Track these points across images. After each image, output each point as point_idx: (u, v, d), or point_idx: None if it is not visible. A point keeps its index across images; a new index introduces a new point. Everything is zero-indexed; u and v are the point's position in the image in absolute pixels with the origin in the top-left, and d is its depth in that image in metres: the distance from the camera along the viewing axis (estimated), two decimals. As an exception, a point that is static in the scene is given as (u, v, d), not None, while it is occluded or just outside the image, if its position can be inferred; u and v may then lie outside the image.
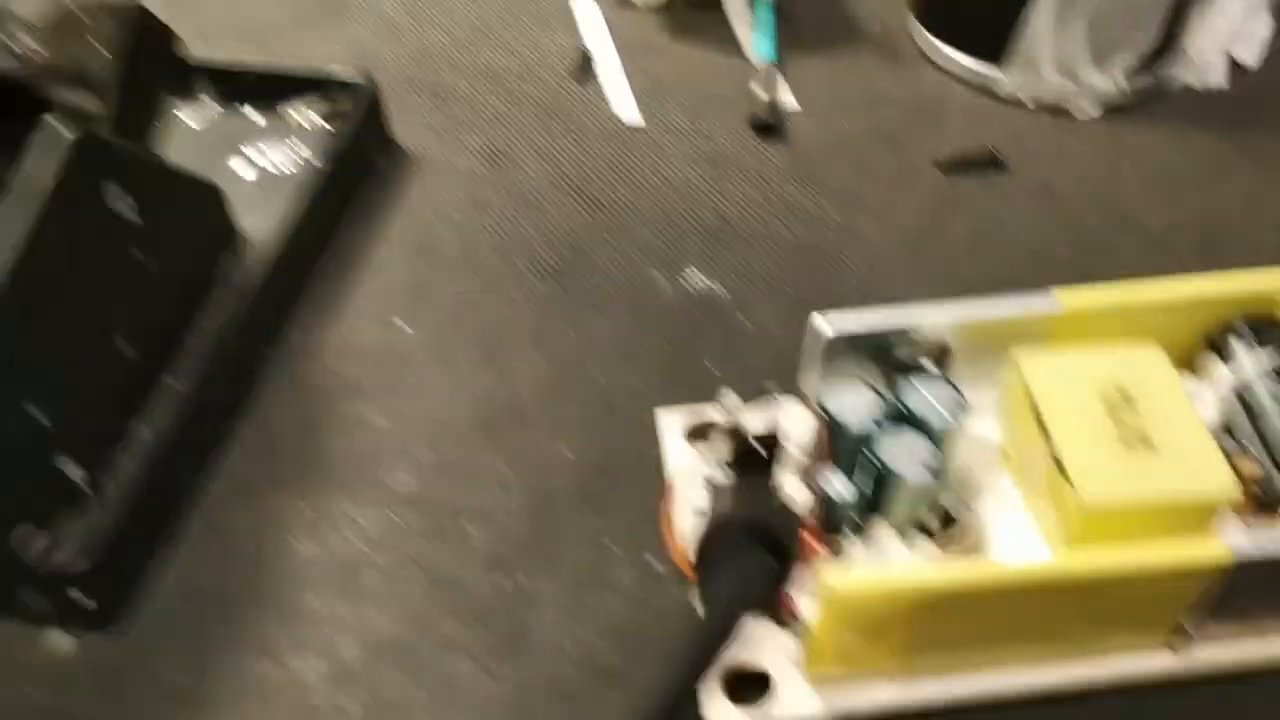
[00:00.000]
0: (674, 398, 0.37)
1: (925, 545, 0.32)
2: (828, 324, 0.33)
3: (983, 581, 0.28)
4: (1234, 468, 0.32)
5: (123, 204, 0.33)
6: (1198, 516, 0.30)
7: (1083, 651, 0.31)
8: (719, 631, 0.25)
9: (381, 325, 0.41)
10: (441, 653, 0.32)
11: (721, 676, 0.30)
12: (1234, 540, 0.28)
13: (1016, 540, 0.32)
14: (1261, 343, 0.34)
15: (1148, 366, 0.32)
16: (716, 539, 0.29)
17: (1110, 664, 0.31)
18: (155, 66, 0.38)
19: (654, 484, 0.35)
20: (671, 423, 0.36)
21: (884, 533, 0.32)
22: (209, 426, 0.37)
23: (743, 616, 0.26)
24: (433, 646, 0.32)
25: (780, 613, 0.30)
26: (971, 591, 0.28)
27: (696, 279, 0.42)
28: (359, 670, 0.32)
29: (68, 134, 0.31)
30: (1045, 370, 0.32)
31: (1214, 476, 0.30)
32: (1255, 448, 0.33)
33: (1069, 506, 0.30)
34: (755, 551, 0.27)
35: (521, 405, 0.38)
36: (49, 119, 0.31)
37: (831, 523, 0.32)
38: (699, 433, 0.36)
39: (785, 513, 0.29)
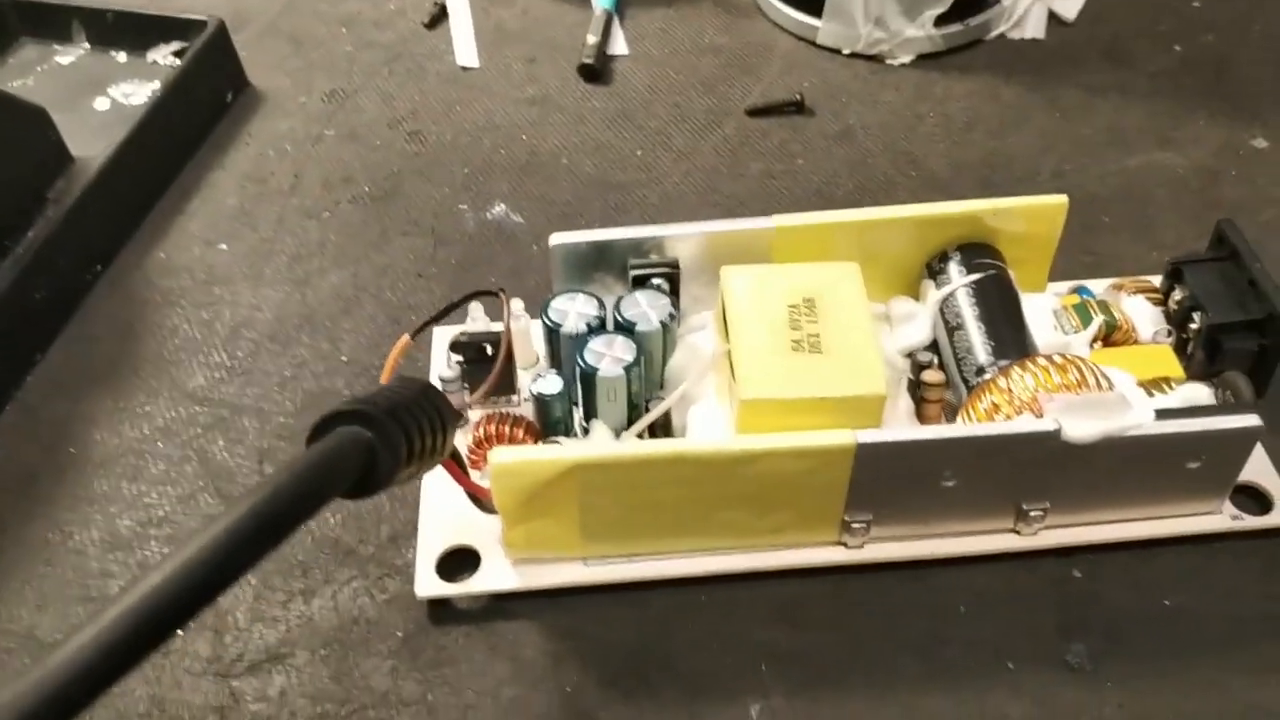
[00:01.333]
0: (456, 317, 0.41)
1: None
2: (557, 236, 0.36)
3: (633, 456, 0.31)
4: (920, 379, 0.36)
5: None
6: (857, 417, 0.33)
7: (761, 544, 0.34)
8: (275, 494, 0.22)
9: (204, 245, 0.45)
10: (203, 527, 0.36)
11: (436, 554, 0.34)
12: (864, 434, 0.31)
13: (711, 434, 0.35)
14: (973, 268, 0.37)
15: (838, 280, 0.35)
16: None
17: (785, 556, 0.34)
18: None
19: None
20: (443, 336, 0.40)
21: (599, 433, 0.36)
22: (27, 328, 0.41)
23: (313, 484, 0.23)
24: (197, 523, 0.36)
25: (485, 500, 0.33)
26: (625, 464, 0.31)
27: (498, 210, 0.46)
28: (130, 541, 0.36)
29: None
30: (742, 281, 0.35)
31: (866, 379, 0.33)
32: (949, 360, 0.36)
33: (735, 401, 0.33)
34: (345, 425, 0.25)
35: (315, 317, 0.42)
36: None
37: (549, 424, 0.36)
38: (457, 345, 0.39)
39: (416, 395, 0.28)
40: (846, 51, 0.52)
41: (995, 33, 0.53)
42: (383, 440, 0.23)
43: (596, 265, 0.37)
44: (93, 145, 0.45)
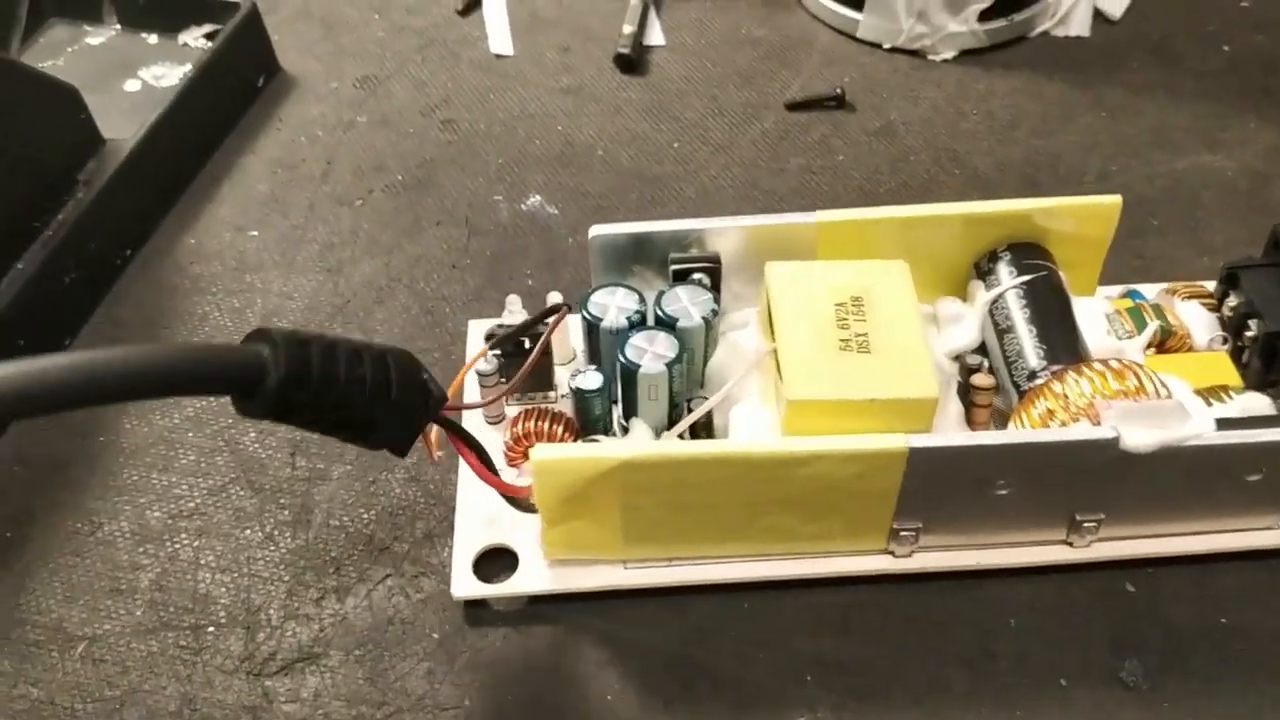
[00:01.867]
0: (490, 309, 0.40)
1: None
2: (597, 228, 0.35)
3: (680, 456, 0.30)
4: (970, 382, 0.35)
5: None
6: (908, 421, 0.32)
7: (805, 550, 0.33)
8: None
9: (234, 231, 0.44)
10: (235, 522, 0.35)
11: (473, 554, 0.33)
12: (916, 439, 0.30)
13: (754, 435, 0.35)
14: (1023, 269, 0.36)
15: (886, 278, 0.34)
16: None
17: (831, 564, 0.33)
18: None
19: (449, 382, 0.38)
20: (479, 329, 0.39)
21: (639, 432, 0.35)
22: (57, 311, 0.40)
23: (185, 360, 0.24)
24: (228, 516, 0.35)
25: (521, 499, 0.33)
26: (671, 464, 0.30)
27: (533, 201, 0.45)
28: (160, 533, 0.35)
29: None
30: (788, 277, 0.34)
31: (918, 381, 0.32)
32: (999, 363, 0.35)
33: (781, 401, 0.32)
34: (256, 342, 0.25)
35: (348, 307, 0.41)
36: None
37: (589, 421, 0.35)
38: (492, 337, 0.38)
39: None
40: (887, 46, 0.51)
41: (1039, 30, 0.52)
42: (280, 360, 0.24)
43: (636, 258, 0.36)
44: (123, 127, 0.44)
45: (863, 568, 0.33)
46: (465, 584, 0.33)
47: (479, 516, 0.34)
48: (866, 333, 0.33)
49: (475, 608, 0.33)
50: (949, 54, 0.51)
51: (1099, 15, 0.53)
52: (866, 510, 0.32)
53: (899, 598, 0.33)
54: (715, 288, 0.36)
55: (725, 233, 0.36)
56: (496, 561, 0.33)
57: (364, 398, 0.26)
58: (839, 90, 0.49)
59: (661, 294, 0.35)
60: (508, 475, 0.34)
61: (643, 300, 0.35)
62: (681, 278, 0.36)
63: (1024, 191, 0.45)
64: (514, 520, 0.33)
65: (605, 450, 0.30)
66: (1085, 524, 0.33)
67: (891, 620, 0.32)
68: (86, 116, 0.42)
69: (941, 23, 0.50)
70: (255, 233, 0.44)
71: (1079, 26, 0.52)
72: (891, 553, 0.33)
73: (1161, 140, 0.47)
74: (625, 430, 0.35)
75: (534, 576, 0.33)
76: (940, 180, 0.46)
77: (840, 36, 0.52)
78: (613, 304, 0.35)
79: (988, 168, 0.46)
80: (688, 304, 0.35)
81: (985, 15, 0.50)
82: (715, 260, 0.36)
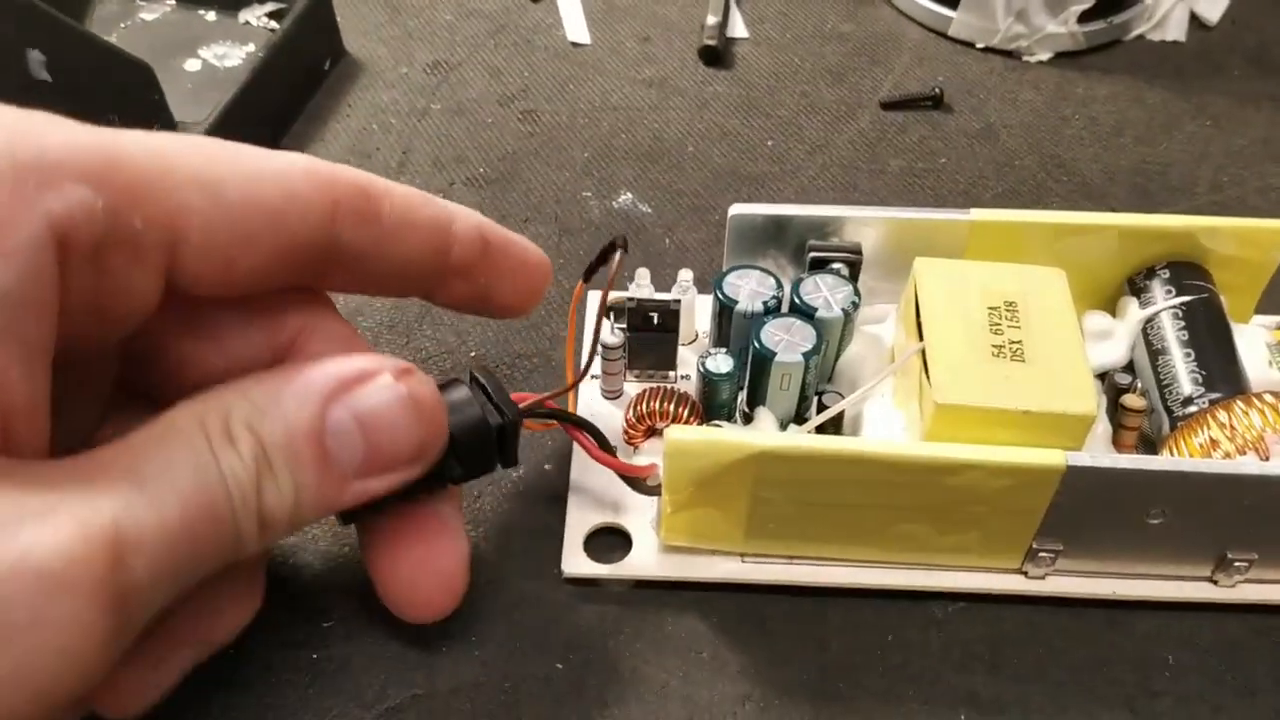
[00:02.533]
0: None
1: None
2: (737, 207, 0.34)
3: (823, 451, 0.28)
4: (1121, 403, 0.33)
5: (34, 62, 0.34)
6: (1059, 437, 0.30)
7: (935, 562, 0.31)
8: None
9: (308, 224, 0.41)
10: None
11: (584, 530, 0.32)
12: (1075, 457, 0.28)
13: (885, 436, 0.33)
14: (1182, 289, 0.34)
15: (1044, 285, 0.32)
16: None
17: (958, 578, 0.31)
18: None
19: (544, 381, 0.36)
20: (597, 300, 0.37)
21: (765, 422, 0.33)
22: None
23: None
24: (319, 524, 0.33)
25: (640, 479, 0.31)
26: (812, 458, 0.28)
27: (625, 198, 0.43)
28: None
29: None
30: (939, 275, 0.32)
31: (1076, 396, 0.30)
32: (1150, 385, 0.33)
33: (927, 404, 0.30)
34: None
35: (432, 308, 0.39)
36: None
37: (714, 406, 0.33)
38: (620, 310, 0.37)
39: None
40: (981, 46, 0.49)
41: (1135, 33, 0.51)
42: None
43: (772, 242, 0.34)
44: (188, 108, 0.41)
45: (995, 586, 0.31)
46: (576, 562, 0.31)
47: (591, 494, 0.33)
48: (1020, 340, 0.31)
49: (587, 587, 0.31)
50: (1045, 55, 0.49)
51: (1194, 19, 0.51)
52: (1007, 526, 0.30)
53: (1046, 629, 0.31)
54: (853, 278, 0.34)
55: (869, 223, 0.34)
56: (607, 541, 0.32)
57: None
58: (937, 90, 0.47)
59: (799, 281, 0.33)
60: (624, 454, 0.32)
61: (779, 285, 0.33)
62: (817, 266, 0.34)
63: (1136, 201, 0.43)
64: (625, 502, 0.32)
65: (744, 437, 0.28)
66: (1236, 562, 0.31)
67: (1044, 654, 0.30)
68: (160, 97, 0.39)
69: (1040, 23, 0.48)
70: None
71: (1175, 30, 0.51)
72: (1025, 573, 0.32)
73: (1272, 152, 0.45)
74: (748, 418, 0.33)
75: (649, 561, 0.31)
76: (1049, 187, 0.44)
77: (930, 34, 0.50)
78: (747, 287, 0.33)
79: (1096, 175, 0.44)
80: (827, 294, 0.33)
81: (1084, 17, 0.49)
82: (857, 251, 0.34)
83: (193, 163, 0.23)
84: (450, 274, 0.28)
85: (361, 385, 0.24)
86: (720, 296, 0.33)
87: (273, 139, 0.44)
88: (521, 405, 0.28)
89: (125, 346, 0.26)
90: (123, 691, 0.24)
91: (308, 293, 0.27)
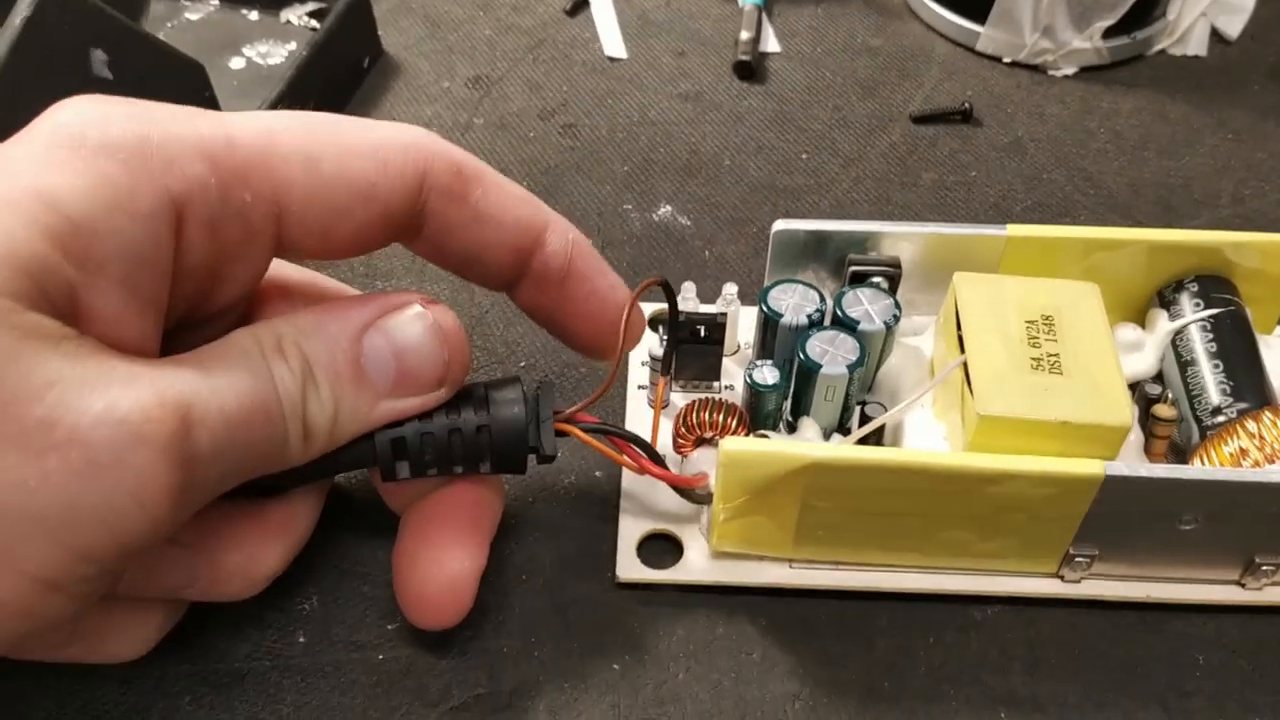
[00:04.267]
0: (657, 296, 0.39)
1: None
2: (780, 222, 0.35)
3: (874, 462, 0.29)
4: (1152, 412, 0.34)
5: (97, 61, 0.35)
6: (1095, 446, 0.31)
7: (974, 566, 0.33)
8: None
9: (359, 236, 0.43)
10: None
11: (637, 537, 0.33)
12: (1114, 466, 0.30)
13: (926, 447, 0.34)
14: (1210, 302, 0.35)
15: (1079, 299, 0.34)
16: None
17: (997, 582, 0.33)
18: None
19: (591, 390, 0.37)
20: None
21: (809, 432, 0.34)
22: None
23: None
24: (382, 534, 0.34)
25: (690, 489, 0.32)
26: (863, 469, 0.29)
27: (664, 211, 0.44)
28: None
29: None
30: (977, 290, 0.34)
31: (1112, 408, 0.31)
32: (1180, 395, 0.34)
33: (970, 416, 0.31)
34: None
35: (485, 318, 0.40)
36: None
37: (759, 416, 0.34)
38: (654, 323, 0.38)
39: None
40: (1008, 60, 0.51)
41: (1157, 48, 0.52)
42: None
43: (813, 256, 0.36)
44: (237, 107, 0.43)
45: (1030, 589, 0.33)
46: (630, 567, 0.32)
47: (641, 500, 0.34)
48: (1058, 353, 0.32)
49: (639, 592, 0.32)
50: (1070, 70, 0.50)
51: (1215, 34, 0.53)
52: (1046, 533, 0.32)
53: (1081, 630, 0.32)
54: (893, 291, 0.35)
55: (908, 237, 0.35)
56: (657, 547, 0.33)
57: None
58: (966, 105, 0.48)
59: (841, 294, 0.34)
60: (673, 463, 0.34)
61: (822, 299, 0.34)
62: (858, 280, 0.35)
63: (1160, 214, 0.44)
64: (673, 508, 0.33)
65: (797, 448, 0.30)
66: (1264, 566, 0.32)
67: (1078, 655, 0.32)
68: (211, 95, 0.41)
69: (1066, 39, 0.49)
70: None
71: (1197, 45, 0.52)
72: (1061, 577, 0.33)
73: (1293, 165, 0.47)
74: (791, 427, 0.35)
75: (699, 566, 0.33)
76: (1076, 200, 0.45)
77: (957, 48, 0.52)
78: (791, 301, 0.34)
79: (1121, 189, 0.46)
80: (869, 307, 0.34)
81: (1108, 33, 0.50)
82: (896, 265, 0.35)
83: (296, 139, 0.25)
84: (531, 280, 0.30)
85: (394, 314, 0.27)
86: (765, 310, 0.34)
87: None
88: (560, 415, 0.30)
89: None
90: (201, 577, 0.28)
91: None
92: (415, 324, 0.27)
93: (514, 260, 0.29)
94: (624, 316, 0.30)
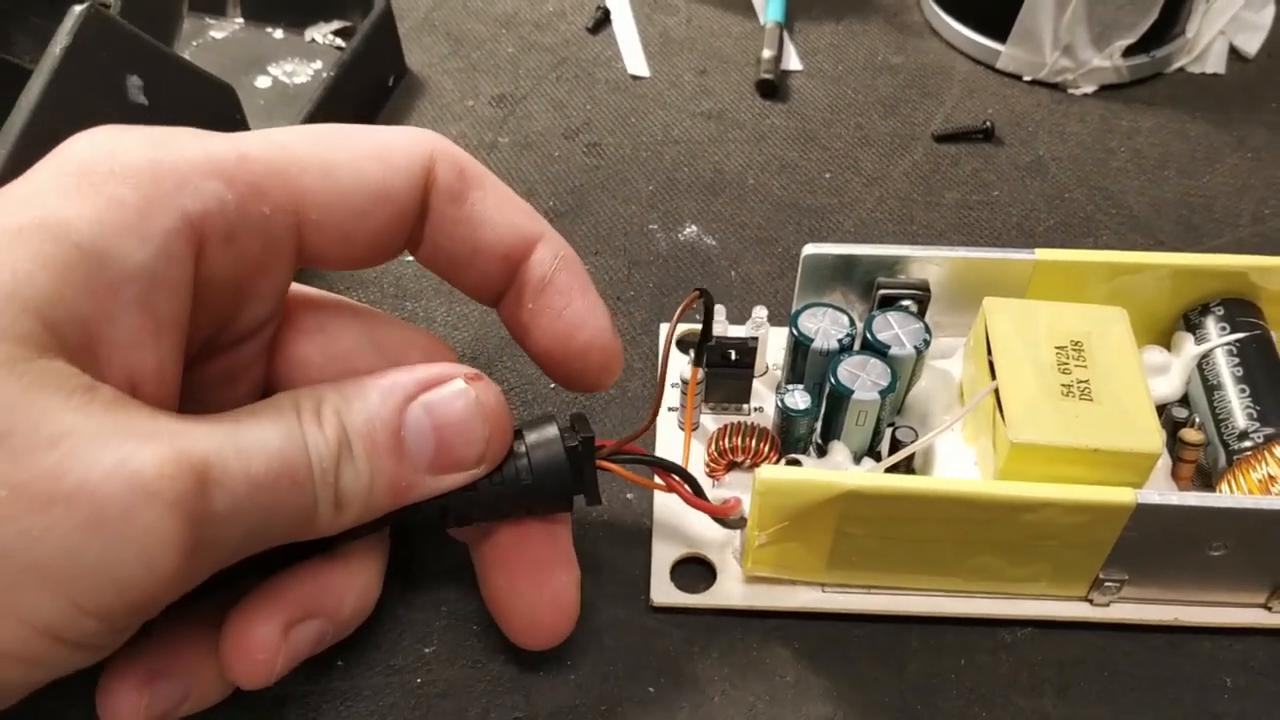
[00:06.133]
0: (657, 342, 0.40)
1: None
2: (810, 246, 0.36)
3: (909, 490, 0.30)
4: (1180, 436, 0.35)
5: (133, 87, 0.35)
6: (1125, 472, 0.32)
7: (1005, 591, 0.33)
8: None
9: (388, 256, 0.43)
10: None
11: (669, 561, 0.33)
12: (1145, 494, 0.30)
13: (956, 472, 0.34)
14: (1235, 326, 0.35)
15: (1107, 325, 0.34)
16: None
17: (1028, 606, 0.33)
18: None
19: (621, 412, 0.37)
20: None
21: (840, 455, 0.34)
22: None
23: None
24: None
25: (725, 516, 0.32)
26: (898, 497, 0.30)
27: (690, 230, 0.44)
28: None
29: (79, 9, 0.34)
30: (1007, 315, 0.34)
31: (1142, 434, 0.31)
32: (1206, 419, 0.35)
33: (1001, 442, 0.32)
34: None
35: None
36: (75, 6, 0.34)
37: (790, 439, 0.35)
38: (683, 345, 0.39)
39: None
40: (1028, 78, 0.51)
41: (1175, 66, 0.52)
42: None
43: (841, 279, 0.36)
44: (263, 125, 0.43)
45: (1060, 613, 0.33)
46: (664, 591, 0.33)
47: (673, 525, 0.34)
48: (1088, 380, 0.33)
49: (672, 616, 0.33)
50: (1089, 88, 0.51)
51: (1234, 52, 0.53)
52: (1077, 558, 0.32)
53: (1110, 652, 0.33)
54: (921, 314, 0.36)
55: (936, 261, 0.35)
56: (689, 571, 0.34)
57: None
58: (988, 124, 0.48)
59: (871, 318, 0.35)
60: (704, 486, 0.33)
61: (852, 323, 0.35)
62: (886, 303, 0.36)
63: (1182, 234, 0.45)
64: (705, 533, 0.34)
65: (832, 477, 0.30)
66: (1290, 591, 0.33)
67: (1108, 679, 0.32)
68: (241, 116, 0.41)
69: (1086, 57, 0.50)
70: (411, 257, 0.43)
71: (1215, 63, 0.52)
72: (1090, 600, 0.33)
73: (1313, 184, 0.47)
74: (822, 450, 0.35)
75: (732, 590, 0.33)
76: (1098, 220, 0.45)
77: (978, 66, 0.52)
78: (821, 325, 0.34)
79: (1143, 208, 0.46)
80: (899, 330, 0.34)
81: (1128, 51, 0.50)
82: (925, 288, 0.36)
83: (310, 150, 0.26)
84: (514, 292, 0.29)
85: (437, 387, 0.26)
86: (795, 334, 0.34)
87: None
88: (602, 453, 0.30)
89: (271, 355, 0.29)
90: (253, 649, 0.26)
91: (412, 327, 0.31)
92: (458, 400, 0.26)
93: (503, 269, 0.29)
94: (589, 343, 0.29)
